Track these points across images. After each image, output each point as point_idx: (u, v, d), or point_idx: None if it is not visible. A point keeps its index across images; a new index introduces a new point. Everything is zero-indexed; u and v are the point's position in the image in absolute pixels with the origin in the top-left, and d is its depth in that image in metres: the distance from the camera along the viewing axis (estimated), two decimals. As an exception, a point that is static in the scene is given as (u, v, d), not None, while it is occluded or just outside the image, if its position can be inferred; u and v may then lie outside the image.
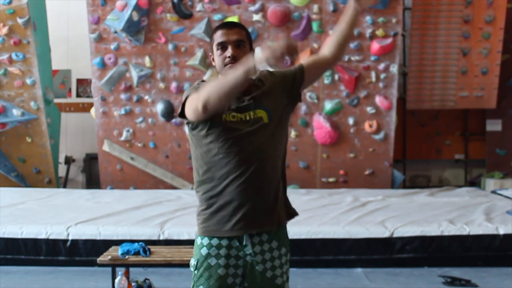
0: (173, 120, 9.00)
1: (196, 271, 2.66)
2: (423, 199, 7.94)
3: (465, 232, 5.93)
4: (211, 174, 2.58)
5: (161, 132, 9.06)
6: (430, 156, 10.74)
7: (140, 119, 9.02)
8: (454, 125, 10.66)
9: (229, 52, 2.55)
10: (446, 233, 5.93)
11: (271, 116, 2.59)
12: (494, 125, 10.40)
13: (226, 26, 2.60)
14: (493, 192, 8.65)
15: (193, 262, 2.69)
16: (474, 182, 10.35)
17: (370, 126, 8.86)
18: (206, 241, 2.64)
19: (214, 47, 2.61)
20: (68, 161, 10.44)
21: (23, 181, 9.48)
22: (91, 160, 10.59)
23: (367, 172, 9.02)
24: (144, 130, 9.06)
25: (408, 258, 5.87)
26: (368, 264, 5.87)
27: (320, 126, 8.84)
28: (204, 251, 2.64)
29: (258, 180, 2.56)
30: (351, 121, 8.86)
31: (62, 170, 10.26)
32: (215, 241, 2.62)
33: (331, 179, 9.03)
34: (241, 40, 2.59)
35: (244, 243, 2.59)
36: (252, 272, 2.62)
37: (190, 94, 2.54)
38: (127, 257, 4.58)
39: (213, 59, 2.66)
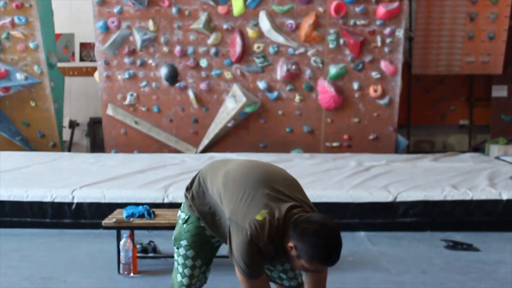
0: (177, 84, 8.96)
1: (184, 225, 2.72)
2: (427, 164, 7.94)
3: (468, 197, 5.95)
4: None
5: (165, 96, 9.04)
6: (435, 122, 10.71)
7: (143, 83, 8.99)
8: (460, 90, 10.60)
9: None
10: (449, 198, 5.94)
11: None
12: (499, 91, 10.34)
13: (328, 263, 2.38)
14: (497, 158, 8.64)
15: (183, 215, 2.75)
16: (478, 148, 10.35)
17: (375, 91, 8.81)
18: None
19: (305, 262, 2.35)
20: (72, 125, 10.45)
21: (28, 145, 9.50)
22: (95, 124, 10.60)
23: (371, 137, 9.01)
24: (148, 94, 9.03)
25: (411, 222, 5.91)
26: (371, 228, 5.90)
27: (325, 90, 8.80)
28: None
29: None
30: (355, 85, 8.82)
31: (66, 134, 10.28)
32: None
33: (335, 144, 9.03)
34: None
35: None
36: None
37: (243, 271, 2.43)
38: (131, 220, 4.61)
39: (295, 251, 2.37)
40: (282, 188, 2.49)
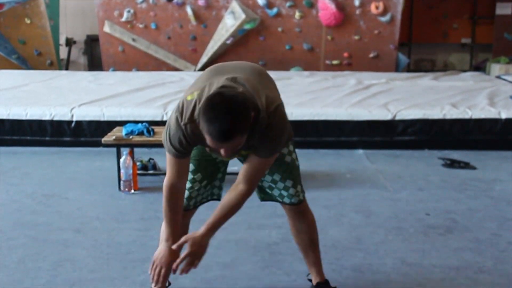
0: (175, 0, 8.77)
1: None
2: (427, 82, 7.90)
3: (467, 116, 5.95)
4: None
5: (162, 13, 8.86)
6: (436, 40, 10.58)
7: (140, -1, 8.80)
8: (463, 8, 10.40)
9: (222, 151, 2.22)
10: (448, 117, 5.94)
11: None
12: (504, 9, 10.13)
13: (216, 137, 2.13)
14: (498, 77, 8.58)
15: None
16: (479, 67, 10.27)
17: (376, 7, 8.64)
18: None
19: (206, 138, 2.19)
20: (69, 42, 10.31)
21: (25, 63, 9.41)
22: (92, 42, 10.46)
23: (371, 55, 8.92)
24: (145, 10, 8.85)
25: (410, 140, 5.93)
26: (369, 146, 5.94)
27: (325, 7, 8.62)
28: None
29: None
30: (357, 2, 8.63)
31: (63, 52, 10.16)
32: None
33: (335, 62, 8.95)
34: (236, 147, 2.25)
35: None
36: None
37: (165, 145, 2.35)
38: (131, 137, 4.62)
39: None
40: (242, 77, 2.31)
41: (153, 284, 2.48)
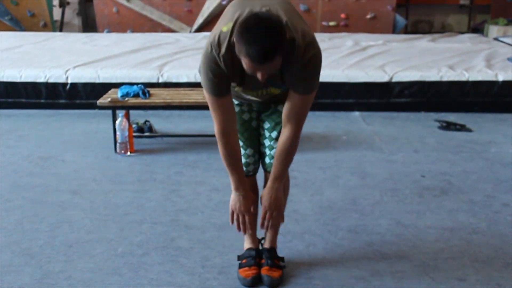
0: (170, -40, 8.63)
1: None
2: (424, 44, 7.85)
3: (464, 78, 5.93)
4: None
5: (157, -27, 8.73)
6: (434, 1, 10.47)
7: (135, -41, 8.66)
8: (462, -33, 10.27)
9: (259, 75, 2.15)
10: (445, 79, 5.92)
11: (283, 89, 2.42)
12: (503, -31, 10.00)
13: (251, 57, 2.07)
14: (496, 39, 8.52)
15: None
16: (477, 29, 10.18)
17: (374, -33, 8.52)
18: None
19: (242, 60, 2.14)
20: (63, 3, 10.16)
21: (18, 24, 9.30)
22: (86, 3, 10.33)
23: (368, 16, 8.83)
24: (140, -30, 8.72)
25: (406, 102, 5.93)
26: (365, 107, 5.93)
27: (322, -33, 8.50)
28: None
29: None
30: (354, -38, 8.52)
31: (57, 13, 10.02)
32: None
33: (331, 23, 8.86)
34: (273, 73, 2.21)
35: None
36: (264, 112, 2.61)
37: (204, 86, 2.32)
38: (126, 99, 4.60)
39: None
40: (275, 6, 2.26)
41: (243, 233, 2.56)
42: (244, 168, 2.62)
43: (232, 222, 2.53)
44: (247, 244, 2.82)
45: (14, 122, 5.53)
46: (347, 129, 5.33)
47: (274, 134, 2.60)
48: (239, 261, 2.78)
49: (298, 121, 2.40)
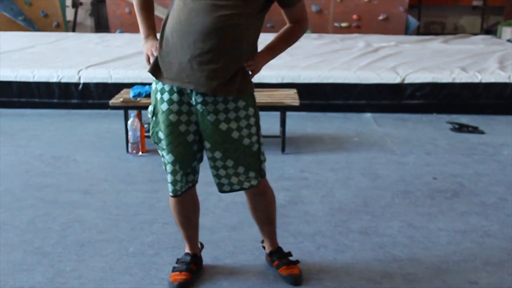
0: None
1: (154, 118, 2.48)
2: (437, 46, 7.82)
3: (476, 80, 5.90)
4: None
5: (169, -26, 8.76)
6: (447, 2, 10.42)
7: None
8: (475, -31, 10.22)
9: None
10: (457, 80, 5.89)
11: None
12: (516, -30, 9.95)
13: None
14: (509, 40, 8.48)
15: (150, 108, 2.51)
16: (490, 30, 10.13)
17: (387, -31, 8.50)
18: (159, 85, 2.43)
19: None
20: (76, 4, 10.23)
21: (31, 25, 9.36)
22: (99, 3, 10.38)
23: (381, 17, 8.80)
24: (152, -29, 8.75)
25: (418, 104, 5.90)
26: (377, 109, 5.92)
27: (335, -32, 8.49)
28: (158, 95, 2.45)
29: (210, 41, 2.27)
30: (367, -37, 8.50)
31: (70, 13, 10.08)
32: (167, 86, 2.41)
33: (343, 24, 8.85)
34: None
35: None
36: (203, 121, 2.42)
37: None
38: (138, 99, 4.62)
39: None
40: None
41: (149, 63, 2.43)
42: (171, 187, 2.52)
43: (149, 63, 2.42)
44: (186, 248, 2.78)
45: (27, 121, 5.57)
46: (358, 130, 5.32)
47: (217, 154, 2.45)
48: (175, 264, 2.75)
49: (303, 15, 2.55)
